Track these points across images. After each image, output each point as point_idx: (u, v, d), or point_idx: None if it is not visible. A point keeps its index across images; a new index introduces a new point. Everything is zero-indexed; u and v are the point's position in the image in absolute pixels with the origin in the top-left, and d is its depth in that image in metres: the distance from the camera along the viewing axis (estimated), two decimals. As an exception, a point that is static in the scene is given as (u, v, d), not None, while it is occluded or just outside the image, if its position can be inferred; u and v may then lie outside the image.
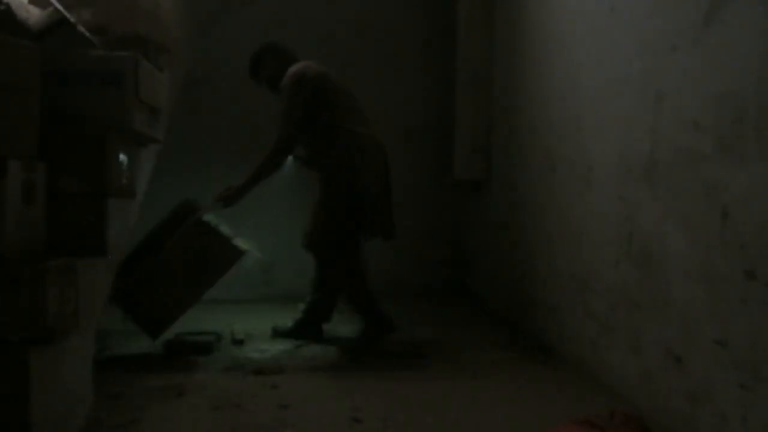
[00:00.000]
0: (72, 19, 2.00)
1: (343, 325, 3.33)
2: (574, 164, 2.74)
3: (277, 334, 3.17)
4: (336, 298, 3.17)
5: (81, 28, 2.02)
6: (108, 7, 2.23)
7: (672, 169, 1.99)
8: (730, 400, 1.68)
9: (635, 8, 2.24)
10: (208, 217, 2.90)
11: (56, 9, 1.96)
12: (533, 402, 2.25)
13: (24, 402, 1.53)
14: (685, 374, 1.89)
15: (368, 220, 3.00)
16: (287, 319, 3.23)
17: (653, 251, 2.10)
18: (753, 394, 1.60)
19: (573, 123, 2.76)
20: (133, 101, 2.03)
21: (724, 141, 1.73)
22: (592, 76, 2.59)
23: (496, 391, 2.37)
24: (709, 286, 1.79)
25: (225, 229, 2.95)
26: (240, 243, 2.88)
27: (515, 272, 3.52)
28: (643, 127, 2.16)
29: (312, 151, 3.11)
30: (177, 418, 2.07)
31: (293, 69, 3.02)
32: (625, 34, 2.31)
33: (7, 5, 1.86)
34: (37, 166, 1.72)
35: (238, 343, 3.04)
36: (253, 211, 3.72)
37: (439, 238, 4.78)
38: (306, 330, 3.14)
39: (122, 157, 2.07)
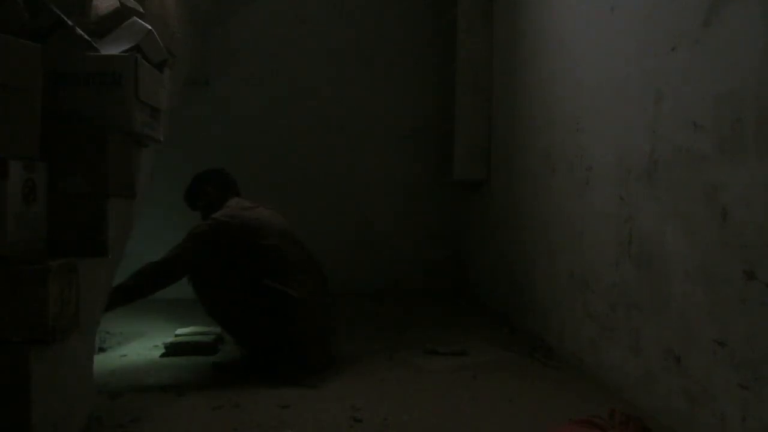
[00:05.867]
0: (70, 22, 2.00)
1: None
2: (574, 164, 2.74)
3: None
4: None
5: (79, 31, 2.02)
6: (118, 12, 2.23)
7: (672, 169, 1.99)
8: (729, 399, 1.69)
9: (635, 8, 2.25)
10: None
11: (53, 11, 1.96)
12: (533, 402, 2.25)
13: (24, 402, 1.53)
14: (685, 374, 1.89)
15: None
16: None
17: (653, 251, 2.10)
18: (753, 393, 1.60)
19: (573, 123, 2.76)
20: (133, 101, 2.03)
21: (724, 141, 1.74)
22: (592, 76, 2.59)
23: (496, 390, 2.37)
24: (709, 286, 1.79)
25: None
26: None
27: (515, 272, 3.52)
28: (643, 127, 2.16)
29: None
30: (177, 418, 2.07)
31: (221, 212, 2.69)
32: (625, 34, 2.31)
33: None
34: (37, 167, 1.72)
35: (239, 343, 3.04)
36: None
37: (439, 238, 4.79)
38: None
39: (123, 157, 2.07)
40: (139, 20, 2.24)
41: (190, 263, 2.61)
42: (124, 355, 2.82)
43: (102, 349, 2.88)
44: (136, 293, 2.51)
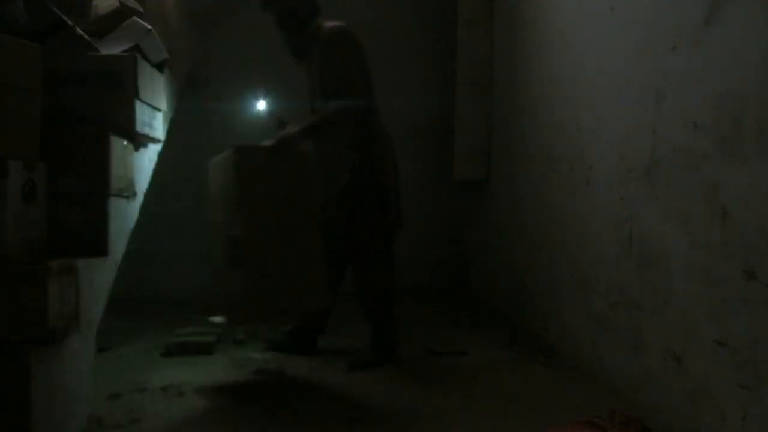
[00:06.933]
0: (70, 22, 2.00)
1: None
2: (574, 164, 2.74)
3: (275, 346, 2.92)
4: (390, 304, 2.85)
5: (79, 31, 2.02)
6: (118, 12, 2.24)
7: (672, 169, 1.99)
8: (730, 399, 1.69)
9: (635, 8, 2.25)
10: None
11: (53, 11, 1.97)
12: (533, 402, 2.25)
13: (24, 402, 1.53)
14: (685, 374, 1.89)
15: (389, 212, 2.88)
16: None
17: (653, 251, 2.10)
18: (753, 393, 1.60)
19: (573, 123, 2.76)
20: (133, 101, 2.04)
21: (724, 141, 1.73)
22: (592, 76, 2.59)
23: (497, 390, 2.37)
24: (709, 286, 1.79)
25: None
26: None
27: (515, 272, 3.52)
28: (643, 127, 2.16)
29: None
30: (177, 418, 2.07)
31: (340, 25, 2.69)
32: (625, 34, 2.31)
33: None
34: (37, 166, 1.72)
35: (239, 343, 3.04)
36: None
37: (439, 238, 4.78)
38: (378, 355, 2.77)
39: (122, 157, 2.07)
40: (139, 20, 2.25)
41: (364, 69, 2.67)
42: (125, 355, 2.82)
43: (102, 349, 2.88)
44: (328, 126, 2.65)
